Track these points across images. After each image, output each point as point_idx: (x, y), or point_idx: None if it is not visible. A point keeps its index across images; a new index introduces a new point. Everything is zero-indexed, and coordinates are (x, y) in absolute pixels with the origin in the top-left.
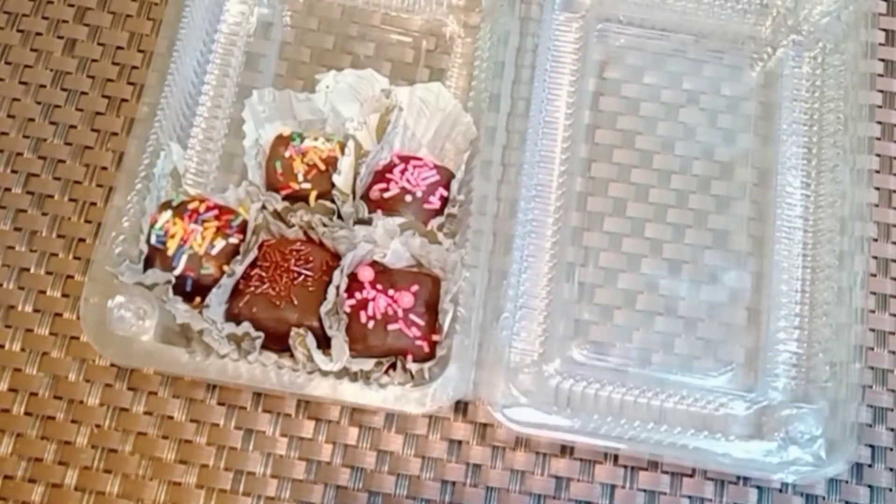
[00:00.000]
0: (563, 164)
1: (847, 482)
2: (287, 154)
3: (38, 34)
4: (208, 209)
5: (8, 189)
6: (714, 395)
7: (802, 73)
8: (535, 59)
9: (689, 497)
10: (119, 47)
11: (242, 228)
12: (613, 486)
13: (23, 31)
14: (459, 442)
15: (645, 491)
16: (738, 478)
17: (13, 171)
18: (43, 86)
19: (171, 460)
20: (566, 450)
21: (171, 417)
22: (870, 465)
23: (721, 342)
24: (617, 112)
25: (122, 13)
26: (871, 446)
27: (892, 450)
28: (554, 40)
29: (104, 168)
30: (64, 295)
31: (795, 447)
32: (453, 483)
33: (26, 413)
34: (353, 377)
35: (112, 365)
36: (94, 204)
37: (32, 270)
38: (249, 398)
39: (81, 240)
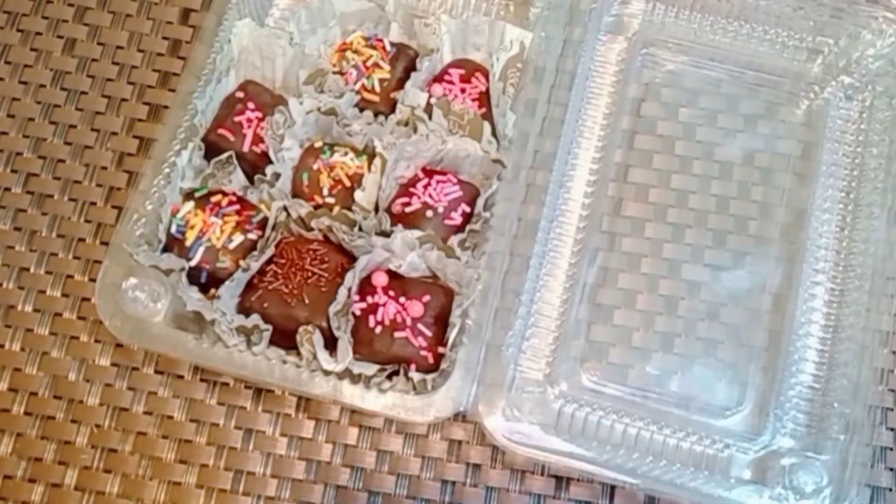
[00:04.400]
0: (590, 198)
1: None
2: (315, 167)
3: (38, 34)
4: (230, 203)
5: (8, 189)
6: (720, 435)
7: (849, 115)
8: (573, 82)
9: None
10: (119, 47)
11: (262, 225)
12: (613, 487)
13: (23, 31)
14: (459, 442)
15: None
16: None
17: (13, 171)
18: (43, 86)
19: (171, 460)
20: None
21: (170, 417)
22: None
23: (733, 382)
24: (652, 150)
25: (122, 13)
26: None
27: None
28: (595, 63)
29: (104, 168)
30: (64, 295)
31: (798, 497)
32: (453, 483)
33: (26, 413)
34: (355, 380)
35: (113, 365)
36: (93, 203)
37: (32, 270)
38: (249, 398)
39: (81, 239)
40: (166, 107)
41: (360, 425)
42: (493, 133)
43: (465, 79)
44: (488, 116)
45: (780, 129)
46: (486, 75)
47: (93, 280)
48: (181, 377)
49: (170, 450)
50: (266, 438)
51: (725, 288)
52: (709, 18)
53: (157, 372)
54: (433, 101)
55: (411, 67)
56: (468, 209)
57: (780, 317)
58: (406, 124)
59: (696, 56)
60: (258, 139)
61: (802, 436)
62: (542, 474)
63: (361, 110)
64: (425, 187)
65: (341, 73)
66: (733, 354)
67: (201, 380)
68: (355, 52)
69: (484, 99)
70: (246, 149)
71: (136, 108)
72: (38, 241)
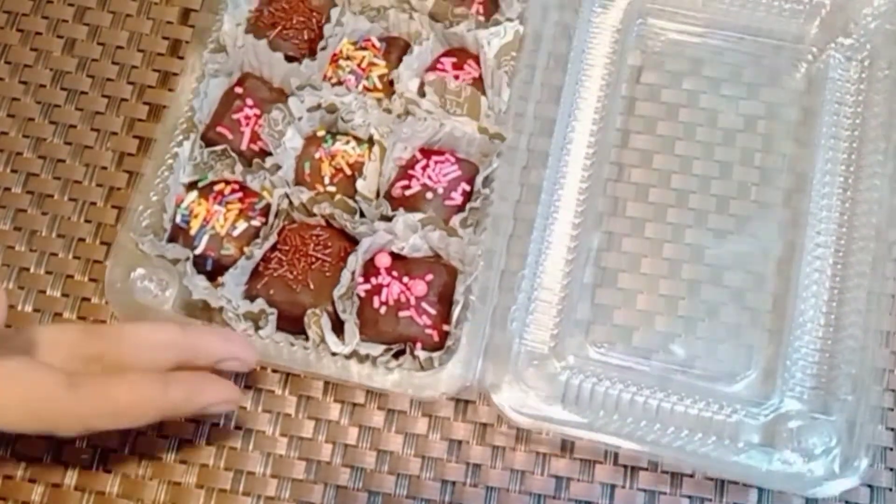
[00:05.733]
0: (590, 170)
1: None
2: (317, 155)
3: (38, 34)
4: (233, 191)
5: (8, 189)
6: (728, 400)
7: (848, 76)
8: (570, 50)
9: (689, 497)
10: (119, 47)
11: (265, 212)
12: (613, 486)
13: (23, 31)
14: (459, 442)
15: (645, 491)
16: None
17: (13, 171)
18: (43, 85)
19: (170, 460)
20: (566, 449)
21: None
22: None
23: (740, 348)
24: (655, 117)
25: (122, 13)
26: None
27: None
28: (590, 33)
29: (104, 168)
30: (64, 295)
31: (807, 459)
32: (453, 483)
33: None
34: (362, 360)
35: None
36: (93, 203)
37: (32, 270)
38: (249, 398)
39: (81, 239)
40: (166, 107)
41: (360, 425)
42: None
43: (458, 66)
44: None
45: (781, 94)
46: (479, 62)
47: (93, 280)
48: None
49: (170, 450)
50: (266, 438)
51: (729, 253)
52: None
53: None
54: (427, 81)
55: (404, 55)
56: (468, 187)
57: (784, 281)
58: (406, 114)
59: (693, 24)
60: (256, 137)
61: (810, 398)
62: (543, 474)
63: None
64: (424, 168)
65: (340, 83)
66: (738, 319)
67: None
68: (347, 58)
69: (479, 84)
70: (244, 147)
71: (136, 108)
72: (38, 241)
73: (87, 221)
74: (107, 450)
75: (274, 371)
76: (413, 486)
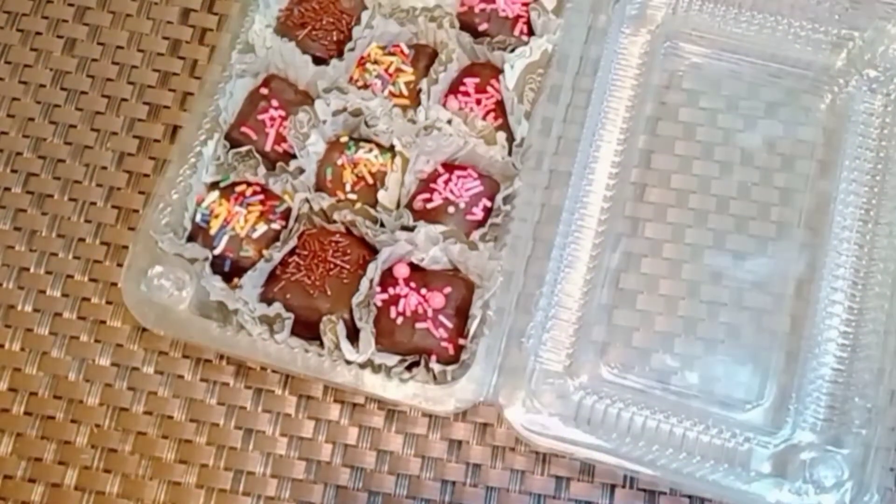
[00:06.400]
0: (612, 190)
1: None
2: (339, 162)
3: (38, 34)
4: (254, 193)
5: (8, 189)
6: (740, 428)
7: (873, 109)
8: (596, 71)
9: (690, 497)
10: (119, 47)
11: (285, 215)
12: (613, 486)
13: (23, 31)
14: (459, 442)
15: (645, 491)
16: None
17: (13, 171)
18: (43, 86)
19: (171, 460)
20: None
21: (170, 417)
22: None
23: (754, 375)
24: (675, 137)
25: (122, 13)
26: None
27: None
28: (619, 53)
29: (104, 168)
30: (64, 294)
31: (819, 491)
32: (453, 483)
33: (26, 413)
34: (376, 370)
35: (112, 364)
36: (94, 203)
37: (32, 270)
38: (249, 398)
39: (81, 239)
40: (167, 106)
41: (360, 425)
42: (509, 139)
43: (481, 88)
44: (504, 125)
45: (804, 121)
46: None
47: (93, 280)
48: (181, 377)
49: (170, 450)
50: (266, 438)
51: (748, 274)
52: (732, 10)
53: (156, 372)
54: (451, 110)
55: (432, 63)
56: (489, 203)
57: (802, 305)
58: (432, 128)
59: (719, 48)
60: (281, 138)
61: (823, 430)
62: (543, 474)
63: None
64: (446, 183)
65: (366, 87)
66: (754, 345)
67: (201, 379)
68: (375, 62)
69: (499, 108)
70: (268, 148)
71: (136, 107)
72: (38, 241)
73: (87, 221)
74: (107, 450)
75: (274, 371)
76: (413, 486)
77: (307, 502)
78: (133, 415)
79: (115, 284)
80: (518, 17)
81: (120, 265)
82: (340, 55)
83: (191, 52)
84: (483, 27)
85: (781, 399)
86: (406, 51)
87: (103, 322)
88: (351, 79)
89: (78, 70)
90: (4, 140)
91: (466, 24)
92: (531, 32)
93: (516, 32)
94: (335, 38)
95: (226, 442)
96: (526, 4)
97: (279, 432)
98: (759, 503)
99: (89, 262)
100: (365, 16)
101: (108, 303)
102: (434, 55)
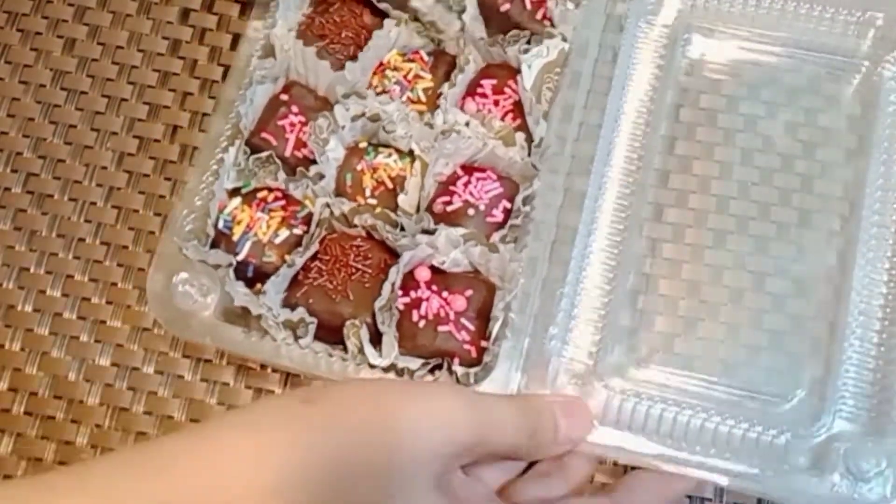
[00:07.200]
0: (636, 175)
1: None
2: (359, 167)
3: (38, 34)
4: (276, 199)
5: (8, 189)
6: (776, 421)
7: None
8: (615, 71)
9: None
10: (119, 47)
11: (307, 220)
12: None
13: (23, 31)
14: None
15: None
16: None
17: (13, 171)
18: (43, 86)
19: None
20: None
21: (171, 417)
22: None
23: (789, 367)
24: (696, 123)
25: (122, 13)
26: None
27: None
28: (636, 47)
29: (104, 168)
30: (64, 294)
31: (858, 481)
32: None
33: (26, 413)
34: (400, 374)
35: (112, 364)
36: (93, 203)
37: (32, 270)
38: (250, 398)
39: (81, 239)
40: (167, 106)
41: None
42: (528, 139)
43: (498, 89)
44: (523, 126)
45: (829, 103)
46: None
47: (93, 280)
48: (181, 377)
49: None
50: None
51: (780, 271)
52: (751, 2)
53: (157, 372)
54: (469, 112)
55: (451, 71)
56: (508, 205)
57: (836, 299)
58: (450, 131)
59: (741, 38)
60: (301, 144)
61: (862, 420)
62: None
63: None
64: (465, 185)
65: (385, 92)
66: (788, 338)
67: (201, 379)
68: (394, 69)
69: (518, 109)
70: (288, 153)
71: (135, 107)
72: (38, 241)
73: (87, 221)
74: (107, 450)
75: (274, 371)
76: None
77: None
78: (133, 415)
79: (115, 284)
80: (542, 1)
81: (120, 265)
82: None
83: (191, 52)
84: (505, 7)
85: (817, 390)
86: (425, 58)
87: (103, 322)
88: (370, 85)
89: (78, 70)
90: (4, 140)
91: (488, 6)
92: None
93: (538, 16)
94: (352, 54)
95: None
96: None
97: None
98: (799, 497)
99: (89, 262)
100: (388, 24)
101: (108, 303)
102: (453, 63)
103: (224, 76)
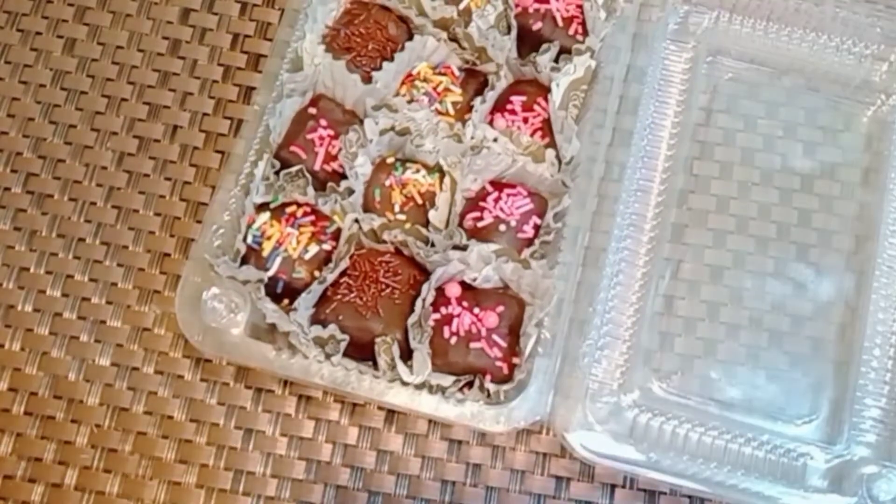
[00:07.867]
0: (661, 195)
1: None
2: (388, 183)
3: (38, 34)
4: (305, 214)
5: (8, 189)
6: (795, 443)
7: None
8: (641, 90)
9: (690, 497)
10: (119, 47)
11: (336, 236)
12: (613, 486)
13: (23, 31)
14: (459, 442)
15: (645, 491)
16: None
17: (13, 171)
18: (43, 86)
19: (170, 460)
20: (566, 451)
21: (170, 417)
22: None
23: (808, 390)
24: (715, 143)
25: (122, 13)
26: None
27: None
28: (662, 70)
29: (104, 168)
30: (64, 294)
31: None
32: (453, 483)
33: (26, 413)
34: (432, 390)
35: (112, 364)
36: (93, 203)
37: (32, 270)
38: (249, 398)
39: (81, 239)
40: (167, 107)
41: (360, 425)
42: (557, 157)
43: (528, 107)
44: (551, 143)
45: (848, 138)
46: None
47: (93, 280)
48: (181, 377)
49: (170, 450)
50: (266, 438)
51: (799, 293)
52: (773, 25)
53: (156, 372)
54: (498, 129)
55: (482, 89)
56: (539, 221)
57: (853, 324)
58: (480, 147)
59: (760, 64)
60: (330, 157)
61: (880, 445)
62: (543, 474)
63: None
64: (496, 201)
65: (413, 101)
66: (807, 361)
67: (201, 380)
68: (424, 80)
69: (546, 126)
70: (317, 167)
71: (135, 107)
72: (38, 241)
73: (87, 221)
74: (107, 450)
75: None
76: (413, 486)
77: (307, 502)
78: (133, 415)
79: (114, 284)
80: (573, 17)
81: (120, 265)
82: None
83: (191, 52)
84: (537, 26)
85: (836, 414)
86: (456, 73)
87: (103, 322)
88: (397, 93)
89: (78, 70)
90: (4, 140)
91: (521, 25)
92: (585, 32)
93: (570, 32)
94: (378, 66)
95: (226, 442)
96: (580, 6)
97: (279, 432)
98: None
99: (89, 262)
100: (422, 38)
101: (108, 303)
102: (484, 79)
103: (224, 76)
